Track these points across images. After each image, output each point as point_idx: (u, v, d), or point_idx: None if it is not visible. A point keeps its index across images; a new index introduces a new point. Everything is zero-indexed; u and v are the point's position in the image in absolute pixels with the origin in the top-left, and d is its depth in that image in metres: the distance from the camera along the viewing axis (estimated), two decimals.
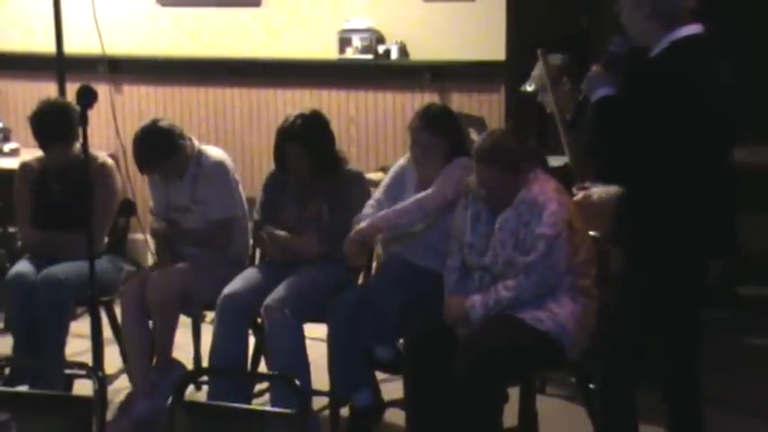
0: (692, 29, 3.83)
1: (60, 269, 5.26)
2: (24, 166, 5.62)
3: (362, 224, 4.84)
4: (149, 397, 5.09)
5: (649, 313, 3.95)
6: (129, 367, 5.29)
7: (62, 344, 5.25)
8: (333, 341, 4.82)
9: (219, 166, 5.30)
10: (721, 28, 3.91)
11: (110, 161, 5.51)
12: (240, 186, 5.38)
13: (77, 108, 4.54)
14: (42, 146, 5.45)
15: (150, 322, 5.16)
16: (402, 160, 5.09)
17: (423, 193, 4.80)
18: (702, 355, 4.10)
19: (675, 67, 3.75)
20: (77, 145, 5.32)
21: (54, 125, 5.36)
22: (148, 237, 5.61)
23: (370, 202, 5.01)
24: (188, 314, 5.31)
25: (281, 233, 5.13)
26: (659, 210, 3.83)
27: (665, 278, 3.88)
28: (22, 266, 5.37)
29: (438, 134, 4.85)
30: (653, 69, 3.81)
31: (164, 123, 5.27)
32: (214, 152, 5.38)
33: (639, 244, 3.91)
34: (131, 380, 5.22)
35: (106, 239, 5.54)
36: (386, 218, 4.82)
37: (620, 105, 3.85)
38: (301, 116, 5.11)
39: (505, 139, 4.46)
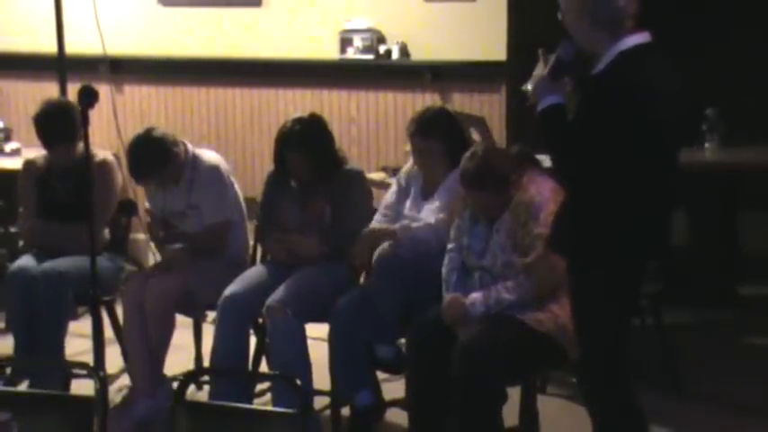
0: (639, 38, 3.80)
1: (61, 263, 5.28)
2: (29, 163, 5.63)
3: (380, 225, 4.86)
4: (150, 396, 5.09)
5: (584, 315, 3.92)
6: (129, 367, 5.29)
7: (61, 338, 5.26)
8: (334, 341, 4.82)
9: (214, 170, 5.30)
10: (665, 32, 3.90)
11: (110, 158, 5.52)
12: (237, 188, 5.38)
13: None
14: (46, 145, 5.47)
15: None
16: (407, 164, 5.11)
17: (434, 219, 4.81)
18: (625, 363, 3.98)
19: (624, 80, 3.71)
20: (81, 144, 5.32)
21: (58, 125, 5.37)
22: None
23: (382, 211, 5.02)
24: (189, 315, 5.31)
25: (289, 234, 5.14)
26: (598, 214, 3.80)
27: (599, 280, 3.84)
28: (24, 261, 5.39)
29: (433, 138, 4.87)
30: (602, 81, 3.77)
31: (156, 132, 5.26)
32: (208, 156, 5.37)
33: (580, 248, 3.89)
34: (132, 379, 5.22)
35: (108, 237, 5.54)
36: (406, 236, 4.83)
37: (566, 114, 3.81)
38: (299, 121, 5.10)
39: (488, 159, 4.43)
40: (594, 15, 3.77)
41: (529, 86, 5.61)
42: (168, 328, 5.12)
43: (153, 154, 5.18)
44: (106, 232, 5.54)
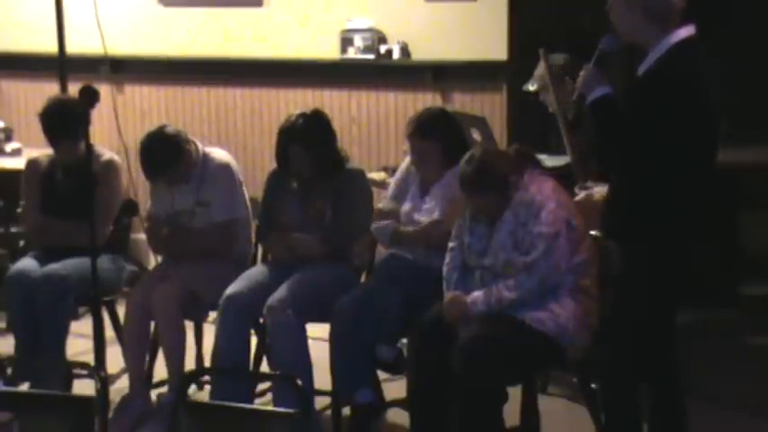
0: (688, 30, 3.85)
1: (62, 266, 5.28)
2: (33, 161, 5.63)
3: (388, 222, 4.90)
4: (144, 398, 5.10)
5: (646, 309, 3.97)
6: (127, 367, 5.29)
7: (63, 341, 5.26)
8: (335, 339, 4.82)
9: (225, 167, 5.31)
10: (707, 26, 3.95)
11: (116, 159, 5.53)
12: (244, 188, 5.39)
13: None
14: (51, 142, 5.47)
15: (152, 324, 5.17)
16: (405, 162, 5.12)
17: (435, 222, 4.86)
18: (674, 348, 4.10)
19: (681, 71, 3.79)
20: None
21: (63, 122, 5.37)
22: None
23: (392, 193, 5.06)
24: (192, 318, 5.30)
25: (290, 234, 5.14)
26: (653, 201, 3.88)
27: (652, 271, 3.93)
28: (25, 263, 5.38)
29: (430, 139, 4.90)
30: (658, 72, 3.82)
31: (169, 130, 5.27)
32: (218, 154, 5.39)
33: (635, 237, 3.95)
34: (129, 380, 5.22)
35: (108, 233, 5.54)
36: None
37: (618, 104, 3.88)
38: (303, 115, 5.12)
39: (487, 162, 4.44)
40: (647, 7, 3.82)
41: (530, 87, 5.62)
42: (179, 331, 5.10)
43: (166, 151, 5.19)
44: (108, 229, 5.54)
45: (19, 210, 5.69)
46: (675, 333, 4.11)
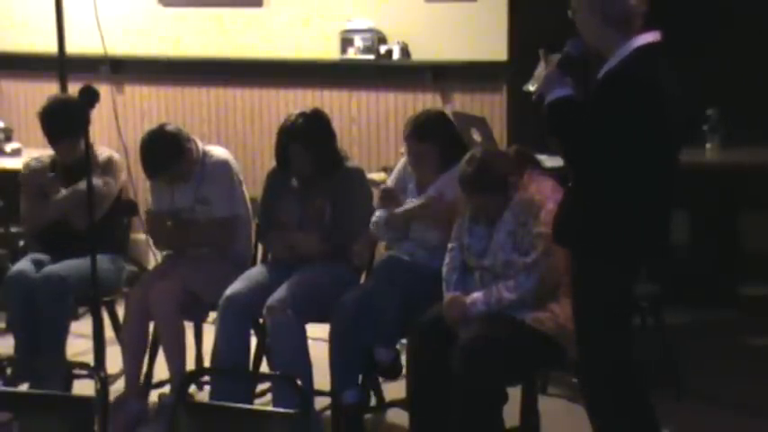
0: (651, 36, 3.83)
1: (61, 267, 5.27)
2: (33, 159, 5.62)
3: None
4: (139, 399, 5.11)
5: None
6: (123, 367, 5.29)
7: (63, 342, 5.25)
8: (333, 338, 4.82)
9: (223, 164, 5.31)
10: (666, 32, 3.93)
11: (116, 156, 5.53)
12: (244, 187, 5.39)
13: None
14: (50, 141, 5.47)
15: (151, 325, 5.17)
16: (401, 162, 5.12)
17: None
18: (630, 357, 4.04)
19: (638, 77, 3.76)
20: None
21: (62, 122, 5.37)
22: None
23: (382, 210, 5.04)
24: (192, 318, 5.30)
25: (289, 233, 5.14)
26: (604, 208, 3.85)
27: (601, 273, 3.89)
28: (23, 265, 5.38)
29: (427, 141, 4.90)
30: (616, 77, 3.79)
31: (170, 128, 5.27)
32: (218, 151, 5.39)
33: (584, 240, 3.93)
34: (125, 380, 5.21)
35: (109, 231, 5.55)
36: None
37: (577, 106, 3.84)
38: (303, 115, 5.12)
39: (486, 162, 4.44)
40: (605, 13, 3.81)
41: (530, 87, 5.62)
42: (177, 330, 5.10)
43: (167, 148, 5.19)
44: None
45: (22, 198, 5.64)
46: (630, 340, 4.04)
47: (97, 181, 5.20)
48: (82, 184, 5.02)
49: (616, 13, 3.82)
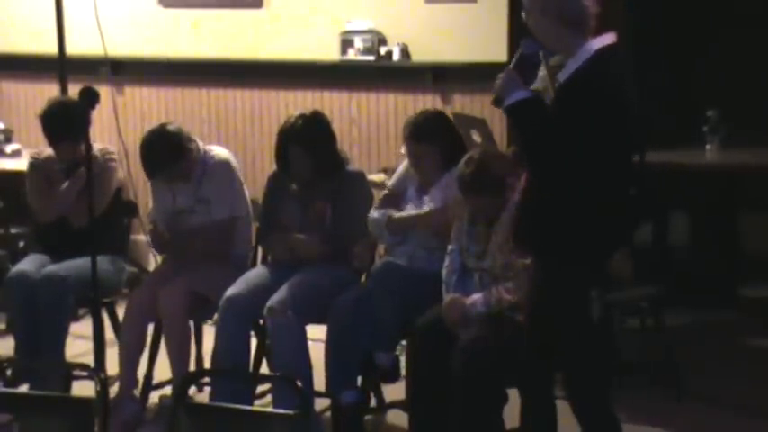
0: (608, 38, 3.82)
1: (61, 268, 5.28)
2: (35, 159, 5.63)
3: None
4: (134, 400, 5.11)
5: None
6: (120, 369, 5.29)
7: (62, 342, 5.26)
8: (330, 338, 4.82)
9: (224, 165, 5.32)
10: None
11: (115, 154, 5.53)
12: (245, 187, 5.39)
13: None
14: (51, 143, 5.47)
15: (150, 327, 5.18)
16: (403, 164, 5.12)
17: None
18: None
19: (603, 80, 3.76)
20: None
21: (63, 123, 5.37)
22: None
23: (380, 210, 5.03)
24: (196, 319, 5.30)
25: (290, 235, 5.14)
26: (564, 210, 3.83)
27: (570, 280, 3.88)
28: (24, 265, 5.38)
29: (426, 143, 4.90)
30: (580, 80, 3.78)
31: (171, 127, 5.27)
32: (219, 151, 5.39)
33: (546, 250, 3.92)
34: (120, 382, 5.20)
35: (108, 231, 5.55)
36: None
37: (535, 108, 3.83)
38: (302, 117, 5.12)
39: (485, 163, 4.45)
40: (560, 14, 3.80)
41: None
42: (186, 333, 5.11)
43: (168, 148, 5.19)
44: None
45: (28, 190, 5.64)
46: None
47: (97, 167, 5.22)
48: (83, 171, 5.03)
49: (572, 14, 3.80)
